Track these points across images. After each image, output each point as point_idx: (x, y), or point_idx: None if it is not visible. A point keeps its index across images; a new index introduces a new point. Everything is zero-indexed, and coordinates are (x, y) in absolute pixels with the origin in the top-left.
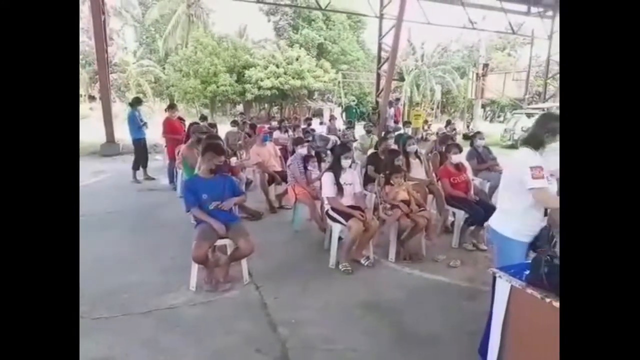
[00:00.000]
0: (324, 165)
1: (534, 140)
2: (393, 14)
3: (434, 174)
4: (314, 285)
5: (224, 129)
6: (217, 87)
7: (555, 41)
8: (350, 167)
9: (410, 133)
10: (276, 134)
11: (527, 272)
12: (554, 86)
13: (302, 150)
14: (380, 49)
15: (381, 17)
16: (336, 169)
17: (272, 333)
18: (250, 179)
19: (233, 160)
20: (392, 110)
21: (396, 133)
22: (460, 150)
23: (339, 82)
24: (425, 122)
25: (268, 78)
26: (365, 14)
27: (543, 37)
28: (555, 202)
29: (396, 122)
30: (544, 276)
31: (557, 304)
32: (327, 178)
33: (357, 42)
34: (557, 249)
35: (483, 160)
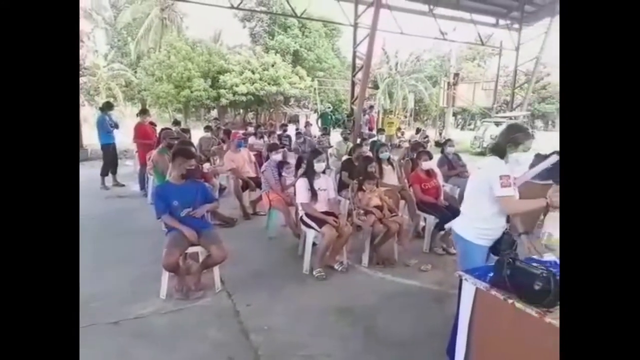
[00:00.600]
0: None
1: (499, 149)
2: (367, 23)
3: (406, 180)
4: (287, 291)
5: (198, 134)
6: (191, 92)
7: (522, 53)
8: (324, 172)
9: (384, 140)
10: (251, 139)
11: (491, 274)
12: (521, 96)
13: (277, 157)
14: (354, 57)
15: (356, 26)
16: (310, 174)
17: (245, 340)
18: (224, 185)
19: (206, 166)
20: (366, 118)
21: (370, 140)
22: (431, 157)
23: (314, 89)
24: (399, 129)
25: (243, 84)
26: (341, 22)
27: (511, 49)
28: (518, 209)
29: (370, 129)
30: (507, 278)
31: (519, 305)
32: (301, 184)
33: (332, 50)
34: (518, 252)
35: (453, 167)
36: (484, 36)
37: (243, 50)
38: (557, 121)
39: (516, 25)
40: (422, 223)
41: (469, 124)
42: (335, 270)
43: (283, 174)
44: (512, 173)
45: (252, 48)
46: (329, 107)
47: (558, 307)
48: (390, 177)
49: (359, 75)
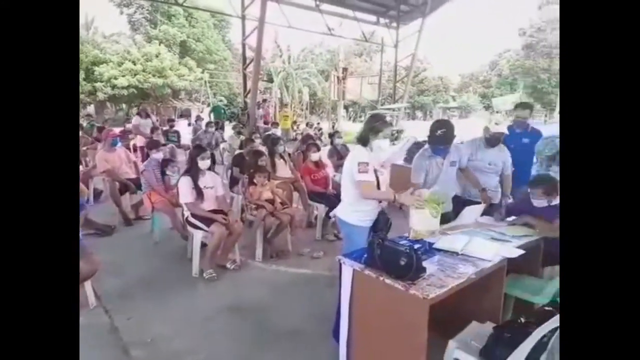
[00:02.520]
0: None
1: (362, 138)
2: (255, 14)
3: (298, 173)
4: (174, 297)
5: None
6: None
7: (400, 49)
8: (209, 169)
9: (279, 134)
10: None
11: (366, 255)
12: (402, 89)
13: (157, 155)
14: (244, 49)
15: (243, 17)
16: (194, 172)
17: (125, 358)
18: (100, 189)
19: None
20: (260, 111)
21: (265, 134)
22: (319, 149)
23: (205, 82)
24: (295, 122)
25: (123, 76)
26: (227, 13)
27: (391, 45)
28: (371, 195)
29: (266, 122)
30: (377, 257)
31: (388, 281)
32: (184, 183)
33: (223, 42)
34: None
35: (342, 157)
36: (367, 33)
37: (122, 39)
38: (434, 111)
39: (394, 24)
40: (315, 212)
41: (360, 116)
42: (228, 269)
43: (168, 172)
44: (378, 159)
45: (131, 37)
46: (221, 101)
47: (420, 279)
48: (284, 170)
49: (251, 68)
